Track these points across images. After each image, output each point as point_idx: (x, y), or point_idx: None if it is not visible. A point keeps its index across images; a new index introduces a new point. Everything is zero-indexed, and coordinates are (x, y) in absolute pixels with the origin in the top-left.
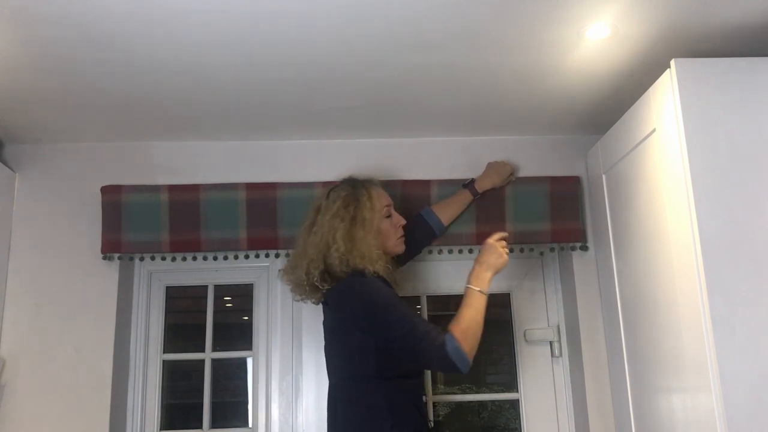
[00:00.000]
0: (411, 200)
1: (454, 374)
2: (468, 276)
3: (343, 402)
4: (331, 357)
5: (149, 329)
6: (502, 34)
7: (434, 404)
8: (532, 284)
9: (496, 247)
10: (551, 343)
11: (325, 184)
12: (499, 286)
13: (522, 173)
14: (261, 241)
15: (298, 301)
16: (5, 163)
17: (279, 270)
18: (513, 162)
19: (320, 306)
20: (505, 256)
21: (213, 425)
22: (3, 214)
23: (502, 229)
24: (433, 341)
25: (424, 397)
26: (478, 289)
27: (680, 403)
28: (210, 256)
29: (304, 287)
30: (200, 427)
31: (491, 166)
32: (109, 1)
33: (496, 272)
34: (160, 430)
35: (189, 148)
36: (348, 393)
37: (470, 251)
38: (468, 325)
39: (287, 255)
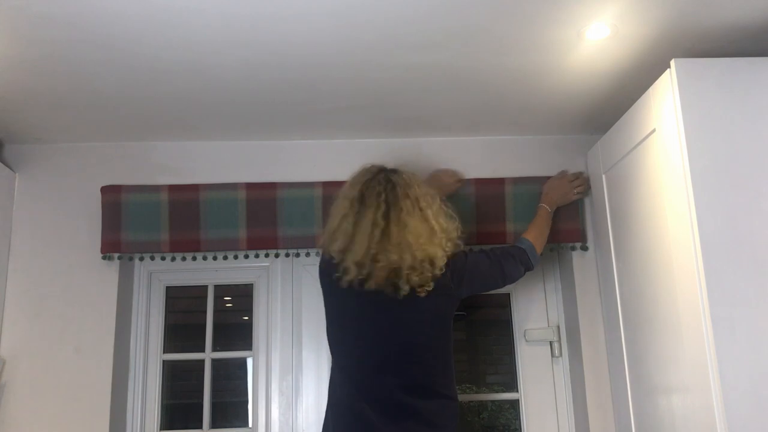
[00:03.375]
0: None
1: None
2: (542, 197)
3: (434, 395)
4: (430, 347)
5: (149, 329)
6: (502, 34)
7: None
8: (532, 284)
9: (567, 186)
10: (551, 343)
11: (325, 184)
12: None
13: (522, 173)
14: (261, 241)
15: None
16: (5, 163)
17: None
18: (513, 162)
19: (328, 306)
20: (572, 195)
21: (213, 425)
22: (3, 214)
23: (502, 230)
24: (518, 250)
25: None
26: (548, 207)
27: (680, 403)
28: (210, 256)
29: (407, 276)
30: (200, 427)
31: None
32: (110, 1)
33: (562, 202)
34: (160, 430)
35: (189, 148)
36: (438, 384)
37: (470, 250)
38: (539, 232)
39: (287, 255)
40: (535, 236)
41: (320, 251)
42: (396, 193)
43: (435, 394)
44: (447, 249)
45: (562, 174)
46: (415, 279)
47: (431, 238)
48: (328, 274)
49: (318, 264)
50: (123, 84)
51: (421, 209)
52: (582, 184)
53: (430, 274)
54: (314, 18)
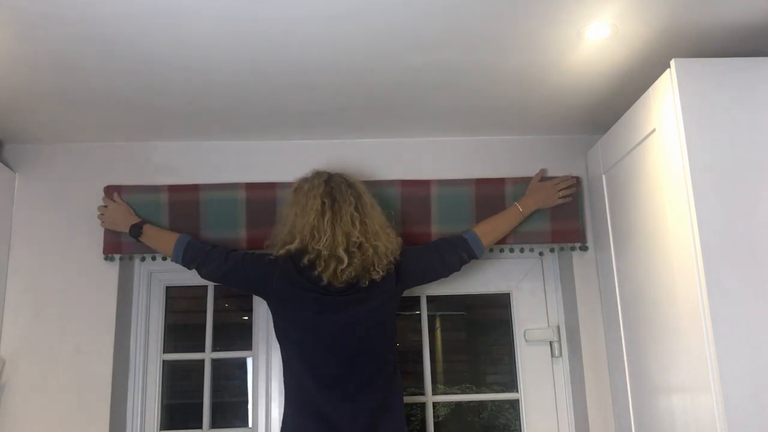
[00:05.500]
0: (411, 200)
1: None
2: (523, 197)
3: (396, 391)
4: (384, 342)
5: (149, 329)
6: (502, 35)
7: (434, 404)
8: (532, 284)
9: (551, 189)
10: (551, 343)
11: None
12: (498, 286)
13: (522, 173)
14: (261, 241)
15: (344, 283)
16: (5, 163)
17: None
18: (513, 162)
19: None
20: (555, 199)
21: (213, 425)
22: (3, 214)
23: None
24: (458, 239)
25: None
26: (520, 207)
27: (680, 403)
28: None
29: (373, 264)
30: (200, 427)
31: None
32: (110, 2)
33: (543, 206)
34: (160, 430)
35: (189, 148)
36: (395, 379)
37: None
38: (493, 226)
39: None
40: (485, 229)
41: (274, 255)
42: (357, 190)
43: (391, 379)
44: (400, 240)
45: (543, 173)
46: (384, 263)
47: (389, 229)
48: (288, 277)
49: (268, 268)
50: (123, 84)
51: (373, 205)
52: (568, 187)
53: (393, 261)
54: (314, 20)
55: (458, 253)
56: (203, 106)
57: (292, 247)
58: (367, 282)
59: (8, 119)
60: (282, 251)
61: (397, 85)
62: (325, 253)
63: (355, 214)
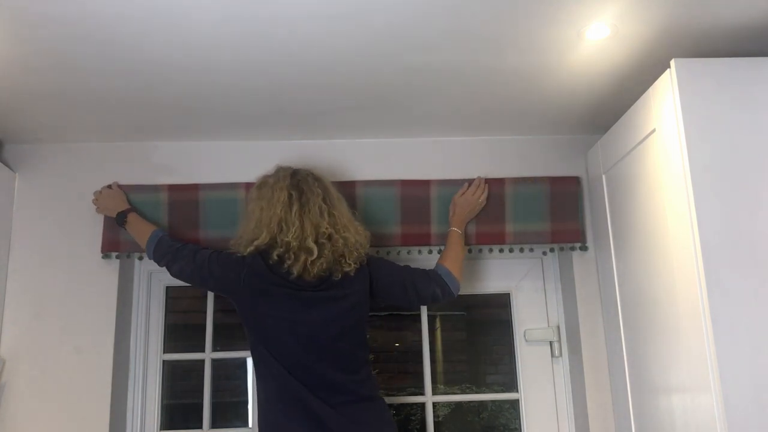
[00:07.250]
0: (411, 200)
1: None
2: (450, 220)
3: (373, 391)
4: (358, 339)
5: (149, 329)
6: (502, 35)
7: (434, 404)
8: (532, 284)
9: (471, 200)
10: (551, 343)
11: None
12: (498, 286)
13: (522, 173)
14: None
15: (319, 274)
16: (5, 163)
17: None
18: (513, 162)
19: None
20: (477, 206)
21: (213, 425)
22: (3, 214)
23: (502, 230)
24: (432, 272)
25: None
26: (457, 229)
27: (680, 403)
28: None
29: (343, 256)
30: (200, 427)
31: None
32: (110, 2)
33: (470, 216)
34: (160, 430)
35: (189, 148)
36: (372, 379)
37: (469, 251)
38: (454, 257)
39: None
40: (451, 263)
41: (240, 252)
42: (324, 184)
43: (369, 374)
44: (368, 234)
45: (465, 189)
46: (354, 256)
47: (357, 222)
48: (258, 274)
49: (236, 267)
50: (123, 84)
51: (340, 199)
52: (483, 190)
53: (364, 254)
54: (314, 20)
55: (431, 286)
56: (203, 106)
57: (260, 242)
58: (339, 275)
59: (8, 119)
60: (251, 248)
61: (397, 85)
62: (294, 245)
63: (323, 205)
